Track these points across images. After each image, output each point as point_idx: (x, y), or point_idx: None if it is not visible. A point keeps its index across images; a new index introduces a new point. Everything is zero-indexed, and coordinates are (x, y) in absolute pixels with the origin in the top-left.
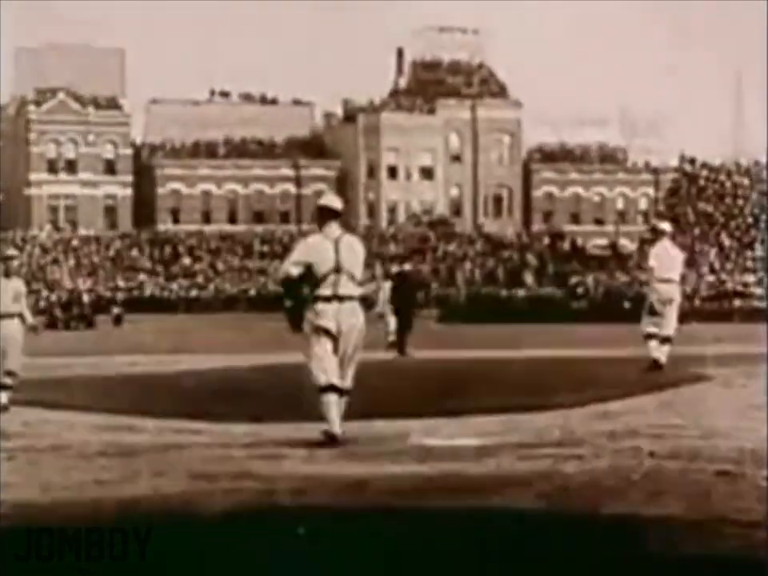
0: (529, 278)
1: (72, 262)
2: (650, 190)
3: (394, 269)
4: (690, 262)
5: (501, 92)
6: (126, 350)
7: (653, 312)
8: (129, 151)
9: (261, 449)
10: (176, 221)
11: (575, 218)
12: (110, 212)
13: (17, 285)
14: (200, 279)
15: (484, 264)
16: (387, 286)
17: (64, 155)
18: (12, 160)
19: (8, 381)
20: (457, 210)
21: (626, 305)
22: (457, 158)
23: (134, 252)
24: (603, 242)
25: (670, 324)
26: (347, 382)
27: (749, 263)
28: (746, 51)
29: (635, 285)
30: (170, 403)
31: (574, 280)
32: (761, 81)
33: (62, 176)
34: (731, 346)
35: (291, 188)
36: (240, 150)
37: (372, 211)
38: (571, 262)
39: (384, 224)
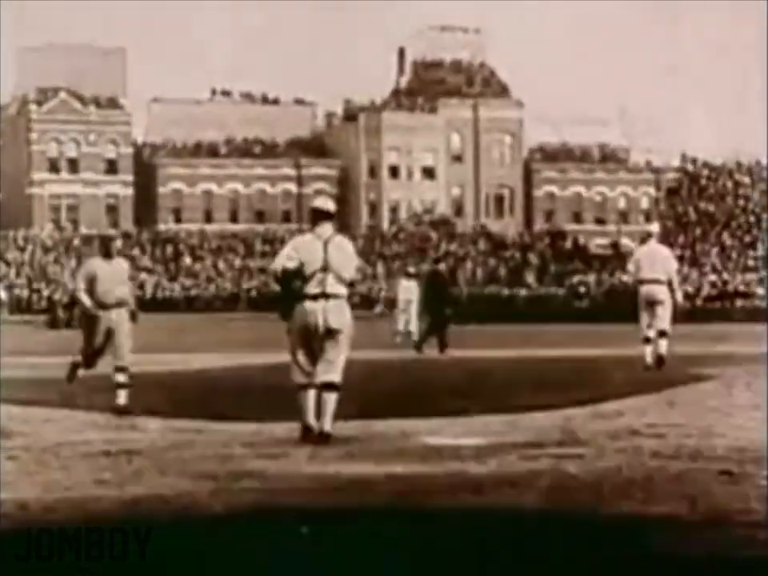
0: (530, 278)
1: (74, 261)
2: (652, 190)
3: (426, 267)
4: (692, 262)
5: (502, 92)
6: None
7: (645, 313)
8: (130, 150)
9: (263, 448)
10: (177, 220)
11: (577, 218)
12: (112, 211)
13: (122, 267)
14: (201, 278)
15: (485, 263)
16: (404, 285)
17: (65, 154)
18: (13, 160)
19: (124, 378)
20: (458, 209)
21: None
22: (458, 158)
23: (136, 251)
24: (605, 241)
25: (663, 321)
26: (335, 377)
27: (750, 263)
28: (747, 51)
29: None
30: (171, 402)
31: (575, 279)
32: (762, 80)
33: (64, 175)
34: (732, 345)
35: (292, 187)
36: (241, 149)
37: (373, 211)
38: (573, 262)
39: (386, 224)
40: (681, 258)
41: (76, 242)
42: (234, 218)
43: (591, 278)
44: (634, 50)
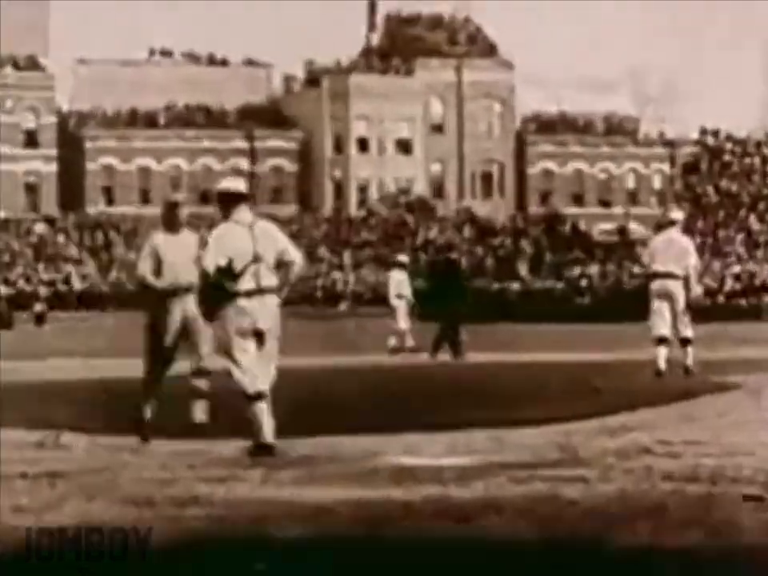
0: (524, 269)
1: None
2: (665, 166)
3: (438, 257)
4: (713, 251)
5: (490, 51)
6: (49, 354)
7: (656, 311)
8: (53, 120)
9: (208, 469)
10: (109, 202)
11: (578, 199)
12: (32, 191)
13: (191, 241)
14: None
15: (471, 253)
16: (396, 277)
17: None
18: None
19: (205, 385)
20: (439, 189)
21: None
22: (439, 129)
23: (60, 238)
24: (610, 226)
25: (684, 325)
26: (266, 386)
27: None
28: None
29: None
30: (100, 416)
31: (576, 271)
32: None
33: None
34: (760, 348)
35: (244, 163)
36: (184, 118)
37: (339, 191)
38: (573, 251)
39: (353, 206)
40: (700, 247)
41: None
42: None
43: (594, 269)
44: (649, 2)
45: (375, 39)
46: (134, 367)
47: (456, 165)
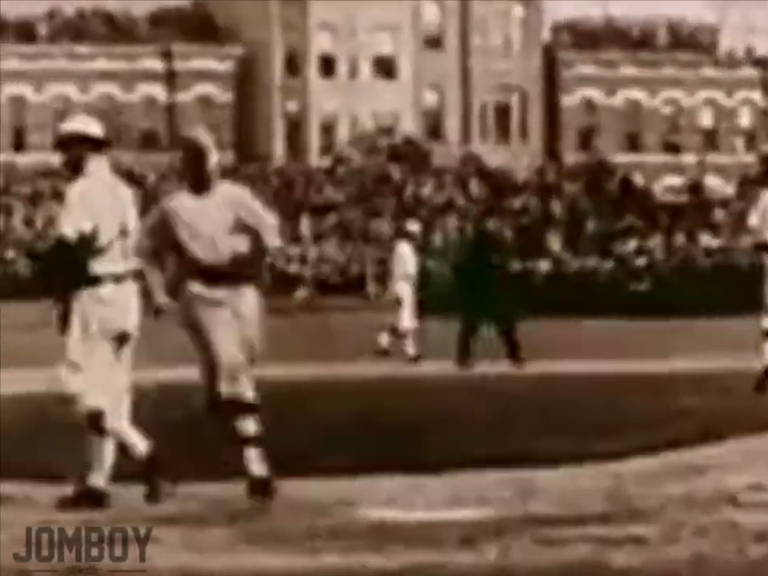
0: (555, 243)
1: None
2: (756, 95)
3: (469, 227)
4: None
5: None
6: None
7: None
8: None
9: (103, 523)
10: None
11: (633, 143)
12: None
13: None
14: (9, 245)
15: (481, 219)
16: (404, 251)
17: None
18: None
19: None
20: (435, 128)
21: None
22: (434, 42)
23: None
24: (679, 181)
25: None
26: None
27: None
28: None
29: (735, 252)
30: None
31: (630, 245)
32: None
33: None
34: None
35: (160, 92)
36: (75, 28)
37: (295, 131)
38: (626, 216)
39: (315, 153)
40: None
41: None
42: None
43: (657, 242)
44: None
45: None
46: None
47: (459, 93)
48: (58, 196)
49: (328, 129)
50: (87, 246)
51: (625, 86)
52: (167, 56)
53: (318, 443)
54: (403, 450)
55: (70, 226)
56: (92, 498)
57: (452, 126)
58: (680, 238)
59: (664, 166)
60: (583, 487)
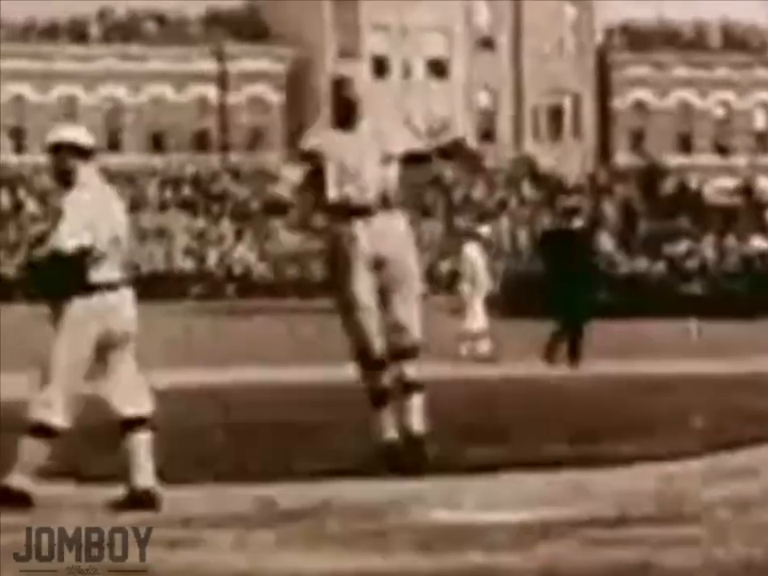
0: (608, 244)
1: None
2: None
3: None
4: None
5: None
6: None
7: None
8: None
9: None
10: (18, 148)
11: (685, 144)
12: None
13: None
14: None
15: (533, 220)
16: (471, 254)
17: None
18: None
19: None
20: (487, 130)
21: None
22: (487, 44)
23: None
24: (732, 183)
25: None
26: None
27: None
28: None
29: None
30: None
31: (681, 247)
32: None
33: None
34: None
35: (212, 92)
36: (126, 29)
37: None
38: (678, 218)
39: None
40: None
41: None
42: (113, 144)
43: (709, 243)
44: None
45: None
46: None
47: (511, 95)
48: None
49: None
50: (84, 256)
51: (676, 87)
52: (220, 57)
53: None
54: (453, 449)
55: (67, 238)
56: (148, 499)
57: (504, 127)
58: (732, 241)
59: (716, 168)
60: (632, 487)
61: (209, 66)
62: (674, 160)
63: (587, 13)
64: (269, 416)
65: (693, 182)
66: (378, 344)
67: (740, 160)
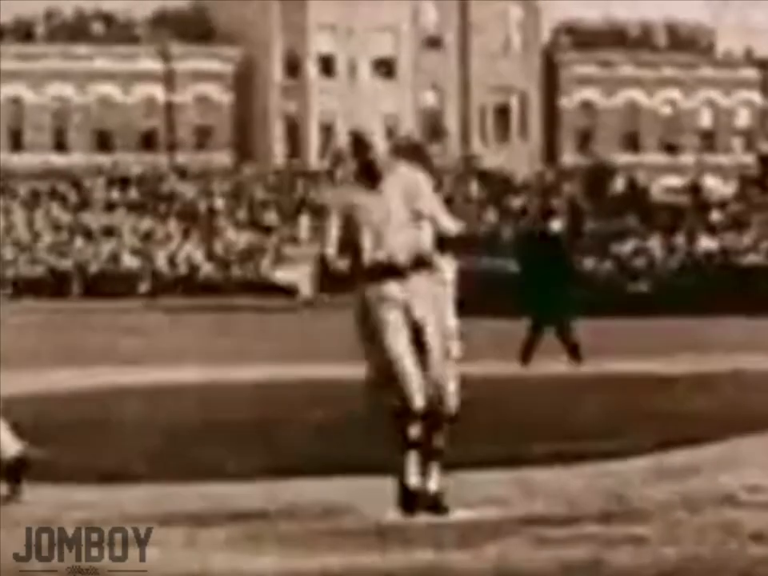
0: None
1: None
2: (755, 96)
3: (529, 227)
4: None
5: None
6: None
7: None
8: None
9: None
10: None
11: (632, 143)
12: None
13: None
14: (4, 244)
15: (480, 218)
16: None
17: None
18: None
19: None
20: (434, 129)
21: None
22: (434, 43)
23: None
24: (678, 181)
25: None
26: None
27: None
28: None
29: (732, 252)
30: None
31: (628, 246)
32: None
33: None
34: None
35: (159, 92)
36: (73, 29)
37: (294, 132)
38: (625, 217)
39: (314, 152)
40: None
41: None
42: (60, 144)
43: (655, 242)
44: None
45: None
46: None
47: (458, 95)
48: (58, 197)
49: (327, 129)
50: None
51: (623, 86)
52: (166, 57)
53: (307, 439)
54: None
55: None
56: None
57: (451, 126)
58: (680, 239)
59: (663, 167)
60: (580, 487)
61: (155, 65)
62: (622, 159)
63: (533, 12)
64: (215, 415)
65: (639, 181)
66: (420, 397)
67: (687, 159)
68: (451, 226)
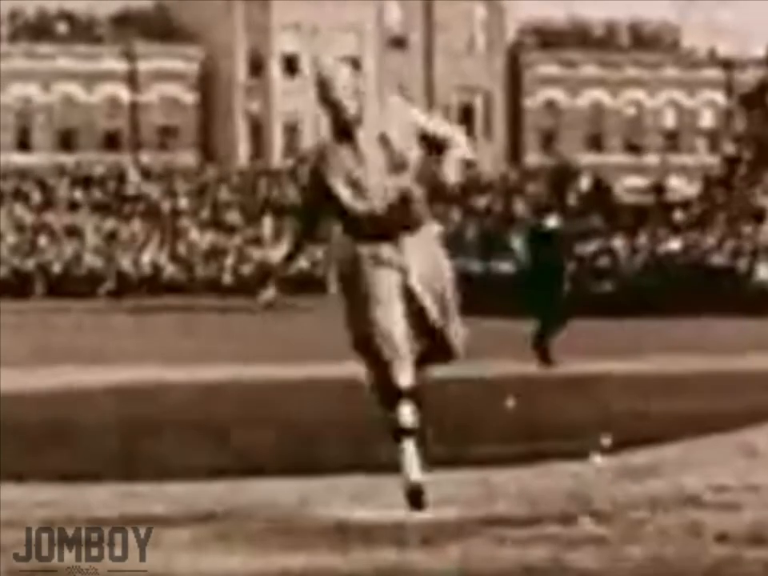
0: (518, 243)
1: None
2: (719, 96)
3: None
4: None
5: None
6: None
7: None
8: None
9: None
10: None
11: (596, 143)
12: None
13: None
14: None
15: (445, 218)
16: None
17: None
18: None
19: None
20: None
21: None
22: (398, 43)
23: None
24: (642, 181)
25: None
26: None
27: None
28: None
29: (696, 252)
30: None
31: (592, 246)
32: None
33: None
34: None
35: (122, 92)
36: (36, 29)
37: (258, 131)
38: (589, 217)
39: (277, 153)
40: None
41: None
42: (23, 144)
43: (619, 242)
44: None
45: None
46: None
47: (422, 93)
48: (21, 196)
49: (292, 129)
50: None
51: (587, 86)
52: (130, 57)
53: (271, 438)
54: (365, 448)
55: None
56: None
57: None
58: (643, 239)
59: (627, 167)
60: (540, 486)
61: (119, 65)
62: (586, 159)
63: (498, 12)
64: (178, 415)
65: (603, 181)
66: (406, 375)
67: (651, 159)
68: (465, 146)
